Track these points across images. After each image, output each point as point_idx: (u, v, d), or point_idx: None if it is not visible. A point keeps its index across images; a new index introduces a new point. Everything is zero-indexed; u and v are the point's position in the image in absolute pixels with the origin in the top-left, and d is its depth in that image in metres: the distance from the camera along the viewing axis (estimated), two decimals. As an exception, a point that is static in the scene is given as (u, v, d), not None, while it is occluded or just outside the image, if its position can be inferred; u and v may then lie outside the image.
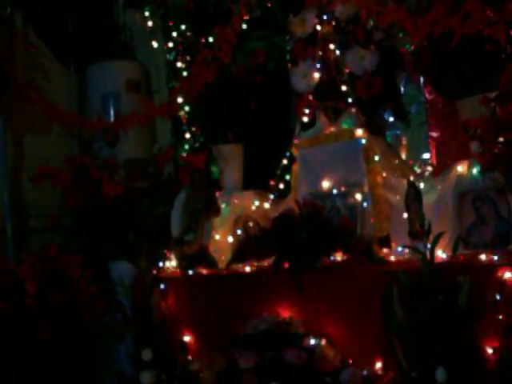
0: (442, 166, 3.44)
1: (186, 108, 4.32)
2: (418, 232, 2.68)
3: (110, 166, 3.91)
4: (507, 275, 2.45)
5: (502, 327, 2.42)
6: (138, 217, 3.82)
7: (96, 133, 4.40)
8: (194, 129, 4.58)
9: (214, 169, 4.30)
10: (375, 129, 3.53)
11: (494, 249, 2.80)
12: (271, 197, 3.87)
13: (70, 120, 4.33)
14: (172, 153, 4.21)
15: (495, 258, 2.60)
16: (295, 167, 3.64)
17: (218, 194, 3.85)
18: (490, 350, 2.40)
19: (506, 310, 2.44)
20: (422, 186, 3.07)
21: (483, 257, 2.67)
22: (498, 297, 2.47)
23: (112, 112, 4.79)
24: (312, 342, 2.79)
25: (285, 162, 3.88)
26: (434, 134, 3.70)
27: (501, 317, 2.44)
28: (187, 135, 4.61)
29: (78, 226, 4.08)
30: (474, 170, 2.97)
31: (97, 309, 3.67)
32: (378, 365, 2.70)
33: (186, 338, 3.37)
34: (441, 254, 2.82)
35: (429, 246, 2.58)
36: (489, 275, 2.49)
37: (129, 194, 3.88)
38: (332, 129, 3.51)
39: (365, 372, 2.68)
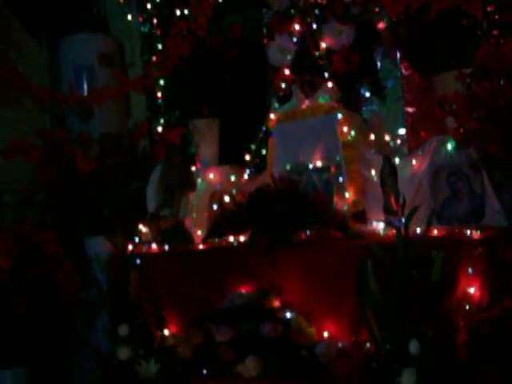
0: (418, 142, 3.46)
1: (161, 82, 4.27)
2: (393, 207, 2.71)
3: (84, 140, 3.85)
4: (479, 249, 2.49)
5: (474, 300, 2.47)
6: (113, 192, 3.78)
7: (69, 107, 4.32)
8: (169, 103, 4.52)
9: (189, 143, 4.26)
10: (351, 104, 3.53)
11: (467, 223, 2.85)
12: (247, 172, 3.86)
13: (41, 94, 4.23)
14: (147, 127, 4.17)
15: (468, 232, 2.64)
16: (271, 142, 3.63)
17: (193, 168, 3.84)
18: (462, 323, 2.45)
19: (478, 283, 2.49)
20: (397, 161, 3.09)
21: (456, 232, 2.71)
22: (470, 270, 2.52)
23: (85, 86, 4.69)
24: (288, 315, 2.81)
25: (261, 136, 3.87)
26: (410, 110, 3.71)
27: (473, 290, 2.49)
28: (162, 110, 4.56)
29: (51, 201, 4.02)
30: (449, 146, 3.00)
31: (72, 284, 3.64)
32: (353, 338, 2.73)
33: (163, 313, 3.37)
34: (415, 229, 2.86)
35: (403, 220, 2.61)
36: (462, 249, 2.53)
37: (103, 170, 3.83)
38: (308, 104, 3.51)
39: (340, 345, 2.72)
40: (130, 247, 3.54)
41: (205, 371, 2.83)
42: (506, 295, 2.34)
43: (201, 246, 3.40)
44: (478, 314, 2.41)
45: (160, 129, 4.35)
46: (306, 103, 3.51)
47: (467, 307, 2.46)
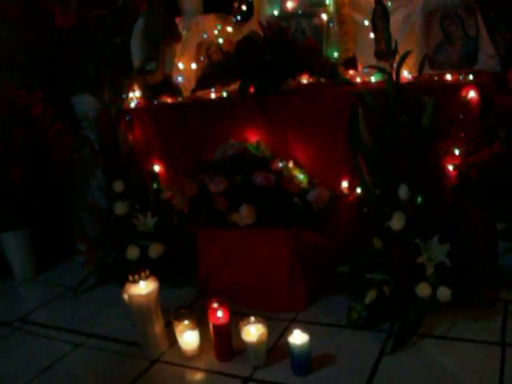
0: (412, -17, 3.30)
1: None
2: (385, 52, 2.63)
3: (61, -6, 3.66)
4: (471, 95, 2.47)
5: (463, 145, 2.49)
6: (96, 48, 3.65)
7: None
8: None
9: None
10: None
11: (459, 69, 2.80)
12: (234, 20, 3.71)
13: None
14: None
15: (460, 77, 2.60)
16: (258, -12, 3.46)
17: (177, 19, 3.68)
18: (450, 167, 2.49)
19: (468, 128, 2.50)
20: (389, 4, 2.96)
21: (448, 77, 2.67)
22: (461, 116, 2.51)
23: None
24: (280, 164, 2.84)
25: (247, -19, 3.68)
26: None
27: (463, 135, 2.50)
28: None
29: (33, 61, 3.90)
30: (444, -13, 2.86)
31: (64, 145, 3.64)
32: (344, 184, 2.80)
33: (156, 168, 3.42)
34: (407, 75, 2.82)
35: (395, 65, 2.55)
36: (453, 95, 2.51)
37: (84, 24, 3.68)
38: None
39: (331, 191, 2.78)
40: (118, 103, 3.49)
41: (200, 221, 2.90)
42: (496, 140, 2.35)
43: (190, 99, 3.36)
44: (467, 159, 2.44)
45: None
46: None
47: (457, 152, 2.49)
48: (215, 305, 2.38)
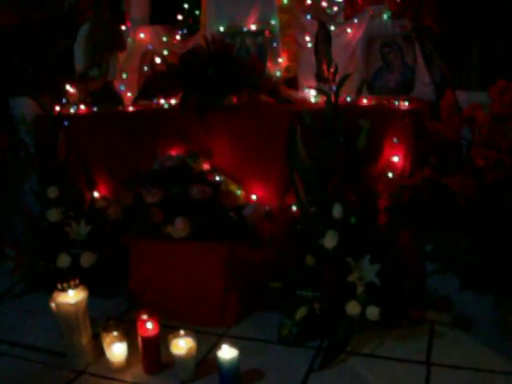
0: (355, 10, 3.40)
1: None
2: (325, 74, 2.70)
3: (5, -7, 3.58)
4: (406, 120, 2.56)
5: (397, 168, 2.57)
6: (38, 50, 3.59)
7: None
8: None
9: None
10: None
11: (397, 95, 2.90)
12: (180, 32, 3.72)
13: None
14: (74, -20, 3.89)
15: (396, 103, 2.70)
16: (205, 2, 3.50)
17: (123, 27, 3.66)
18: (383, 189, 2.56)
19: (402, 153, 2.58)
20: (332, 28, 3.05)
21: (385, 102, 2.76)
22: (395, 140, 2.59)
23: None
24: (217, 178, 2.85)
25: (194, -5, 3.70)
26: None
27: (396, 159, 2.58)
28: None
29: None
30: (385, 16, 2.97)
31: (-2, 146, 3.54)
32: (280, 201, 2.83)
33: (93, 176, 3.36)
34: (346, 97, 2.89)
35: (334, 88, 2.62)
36: (389, 120, 2.59)
37: (27, 25, 3.60)
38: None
39: (267, 207, 2.82)
40: (58, 108, 3.42)
41: (135, 232, 2.87)
42: (427, 165, 2.44)
43: (131, 108, 3.34)
44: (400, 182, 2.51)
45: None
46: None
47: (390, 175, 2.56)
48: (144, 316, 2.34)
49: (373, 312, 2.35)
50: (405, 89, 2.96)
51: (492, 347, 2.29)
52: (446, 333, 2.43)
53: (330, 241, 2.45)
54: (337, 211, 2.48)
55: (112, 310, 2.88)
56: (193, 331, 2.31)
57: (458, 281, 2.29)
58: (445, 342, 2.38)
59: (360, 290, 2.39)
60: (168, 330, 2.34)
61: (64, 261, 3.06)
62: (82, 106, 3.47)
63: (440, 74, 2.88)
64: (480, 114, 2.17)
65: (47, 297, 2.58)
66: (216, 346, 2.43)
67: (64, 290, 2.35)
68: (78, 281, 2.39)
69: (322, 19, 3.04)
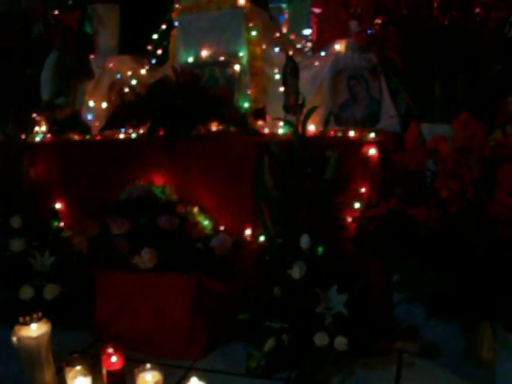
0: (322, 43, 3.46)
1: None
2: (293, 106, 2.73)
3: (-32, 20, 3.55)
4: (372, 152, 2.61)
5: (363, 199, 2.60)
6: (3, 78, 3.55)
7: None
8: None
9: (87, 29, 4.02)
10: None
11: (363, 126, 2.95)
12: (148, 63, 3.74)
13: None
14: (41, 9, 3.87)
15: (363, 135, 2.74)
16: (174, 33, 3.52)
17: (91, 56, 3.66)
18: (350, 220, 2.59)
19: (368, 183, 2.62)
20: (299, 60, 3.09)
21: (352, 133, 2.81)
22: (362, 171, 2.63)
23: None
24: (184, 209, 2.83)
25: (163, 27, 3.72)
26: (316, 10, 3.69)
27: (363, 190, 2.61)
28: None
29: None
30: (351, 50, 3.03)
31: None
32: (248, 231, 2.83)
33: (58, 206, 3.31)
34: (313, 129, 2.92)
35: (301, 119, 2.65)
36: (355, 151, 2.63)
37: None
38: (213, -5, 3.38)
39: (234, 238, 2.80)
40: (23, 137, 3.39)
41: (101, 263, 2.83)
42: (392, 196, 2.47)
43: (98, 138, 3.31)
44: (366, 212, 2.54)
45: (56, 11, 4.05)
46: (211, -5, 3.39)
47: (357, 205, 2.59)
48: (110, 350, 2.29)
49: (341, 342, 2.35)
50: (371, 121, 3.02)
51: (460, 374, 2.31)
52: (414, 362, 2.44)
53: (297, 272, 2.44)
54: (304, 242, 2.49)
55: (77, 343, 2.80)
56: (160, 364, 2.26)
57: (425, 310, 2.31)
58: (413, 370, 2.39)
59: (328, 320, 2.39)
60: (134, 363, 2.28)
61: (27, 292, 2.99)
62: (48, 135, 3.44)
63: (405, 107, 2.93)
64: (443, 145, 2.21)
65: (9, 330, 2.51)
66: (184, 379, 2.39)
67: (26, 323, 2.29)
68: (41, 314, 2.33)
69: (290, 52, 3.10)
